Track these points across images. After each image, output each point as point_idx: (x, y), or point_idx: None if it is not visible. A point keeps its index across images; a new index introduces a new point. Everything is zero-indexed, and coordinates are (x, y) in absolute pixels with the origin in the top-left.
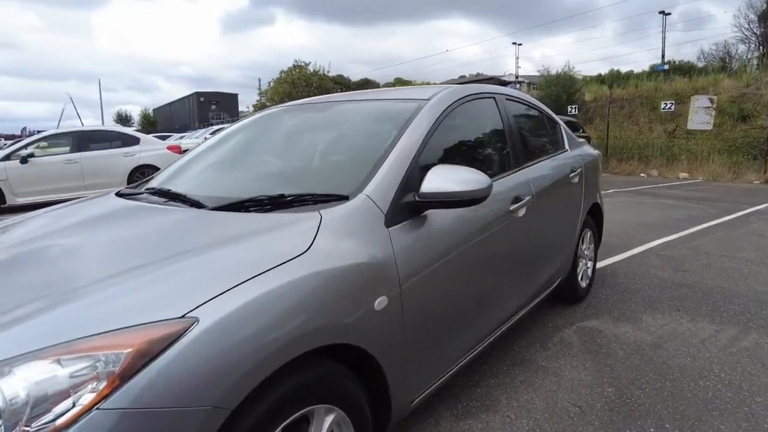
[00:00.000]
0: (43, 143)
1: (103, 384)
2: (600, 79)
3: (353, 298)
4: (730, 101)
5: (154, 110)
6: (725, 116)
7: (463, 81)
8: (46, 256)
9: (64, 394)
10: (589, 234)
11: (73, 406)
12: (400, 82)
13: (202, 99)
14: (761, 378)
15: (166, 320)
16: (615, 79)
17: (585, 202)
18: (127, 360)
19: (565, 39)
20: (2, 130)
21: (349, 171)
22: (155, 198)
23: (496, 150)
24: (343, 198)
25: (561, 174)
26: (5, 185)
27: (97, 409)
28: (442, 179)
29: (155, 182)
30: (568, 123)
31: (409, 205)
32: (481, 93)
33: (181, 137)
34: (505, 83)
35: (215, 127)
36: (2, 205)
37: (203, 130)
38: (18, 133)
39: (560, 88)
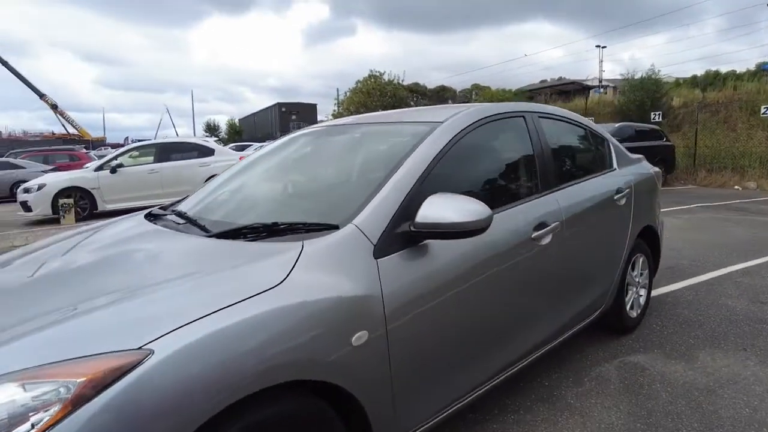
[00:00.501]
0: (131, 154)
1: (57, 408)
2: (694, 82)
3: (327, 333)
4: None
5: (239, 120)
6: None
7: (544, 86)
8: (40, 279)
9: (23, 418)
10: (641, 260)
11: (32, 428)
12: (477, 89)
13: (283, 109)
14: None
15: (121, 351)
16: (712, 80)
17: (634, 226)
18: (79, 388)
19: (657, 39)
20: (111, 139)
21: (344, 199)
22: (174, 220)
23: (519, 173)
24: (332, 227)
25: (603, 196)
26: (98, 193)
27: None
28: (438, 208)
29: (183, 203)
30: (648, 131)
31: (404, 235)
32: (507, 112)
33: (258, 147)
34: (588, 88)
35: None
36: (94, 211)
37: (268, 141)
38: (122, 142)
39: (644, 93)
